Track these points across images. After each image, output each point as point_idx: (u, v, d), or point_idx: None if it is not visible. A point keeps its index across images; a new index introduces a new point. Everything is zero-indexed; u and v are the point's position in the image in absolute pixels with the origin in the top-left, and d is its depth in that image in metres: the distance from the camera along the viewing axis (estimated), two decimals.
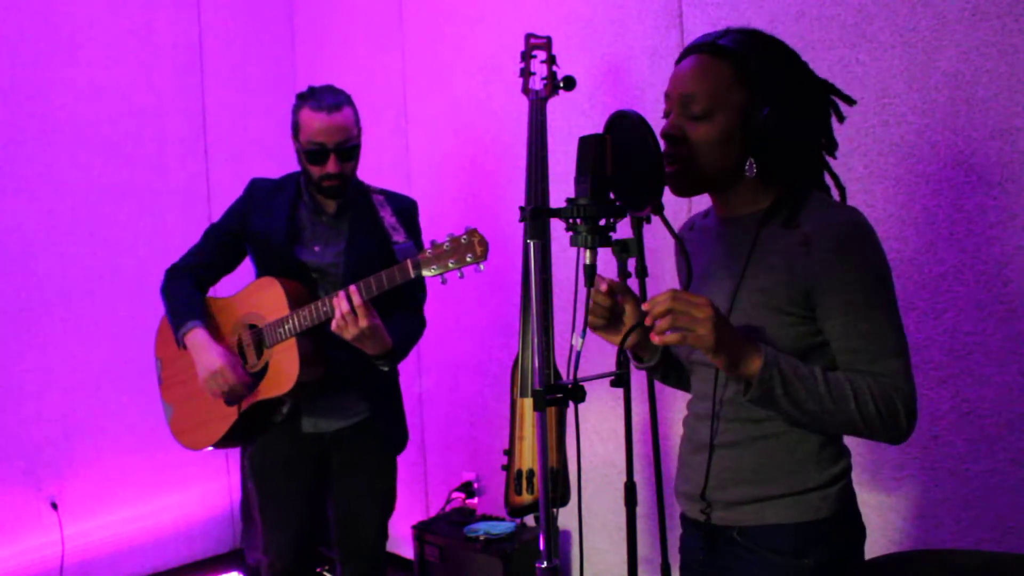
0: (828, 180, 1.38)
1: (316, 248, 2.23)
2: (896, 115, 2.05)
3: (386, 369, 2.17)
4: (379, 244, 2.16)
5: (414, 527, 2.96)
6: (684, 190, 1.35)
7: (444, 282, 1.97)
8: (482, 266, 1.92)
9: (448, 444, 3.39)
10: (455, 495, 3.16)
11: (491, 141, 3.11)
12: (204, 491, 3.66)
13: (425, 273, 1.94)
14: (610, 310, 1.39)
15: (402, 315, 2.23)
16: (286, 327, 2.12)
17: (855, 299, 1.23)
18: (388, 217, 2.17)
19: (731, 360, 1.20)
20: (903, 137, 2.04)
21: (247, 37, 3.87)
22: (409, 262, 1.96)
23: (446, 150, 3.31)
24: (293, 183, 2.27)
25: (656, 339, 1.18)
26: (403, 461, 3.57)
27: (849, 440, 1.36)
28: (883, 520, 2.09)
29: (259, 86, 3.87)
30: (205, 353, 2.16)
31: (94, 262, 3.36)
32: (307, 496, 2.31)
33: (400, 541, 3.61)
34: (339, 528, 2.35)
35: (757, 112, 1.27)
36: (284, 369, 2.14)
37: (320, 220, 2.25)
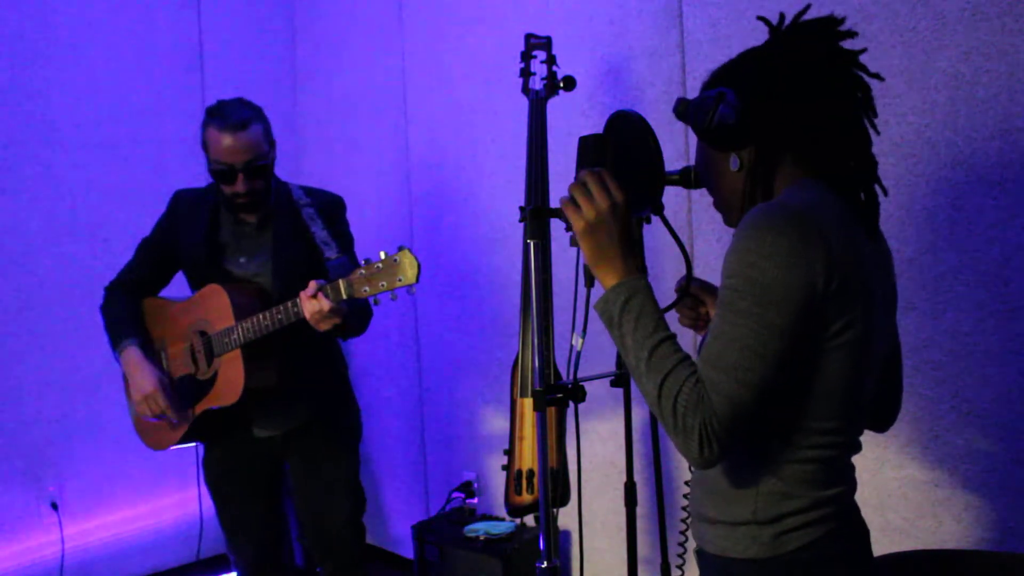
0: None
1: (242, 260, 2.21)
2: (896, 115, 2.05)
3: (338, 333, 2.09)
4: (305, 250, 2.14)
5: (414, 527, 2.96)
6: (717, 207, 1.28)
7: (377, 303, 1.90)
8: (413, 289, 1.83)
9: (448, 444, 3.39)
10: (455, 495, 3.16)
11: (491, 141, 3.11)
12: (204, 491, 3.65)
13: (357, 295, 1.87)
14: (694, 310, 1.40)
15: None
16: (232, 337, 2.11)
17: (723, 294, 1.07)
18: (319, 232, 2.11)
19: (594, 255, 1.16)
20: (903, 137, 2.04)
21: (247, 37, 3.87)
22: (341, 283, 1.90)
23: (446, 150, 3.31)
24: (214, 194, 2.23)
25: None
26: (403, 461, 3.58)
27: None
28: (883, 520, 2.09)
29: (259, 86, 3.85)
30: (139, 373, 2.15)
31: (94, 262, 3.35)
32: (265, 501, 2.32)
33: (400, 541, 3.61)
34: (309, 529, 2.34)
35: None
36: (231, 379, 2.12)
37: (243, 231, 2.22)
